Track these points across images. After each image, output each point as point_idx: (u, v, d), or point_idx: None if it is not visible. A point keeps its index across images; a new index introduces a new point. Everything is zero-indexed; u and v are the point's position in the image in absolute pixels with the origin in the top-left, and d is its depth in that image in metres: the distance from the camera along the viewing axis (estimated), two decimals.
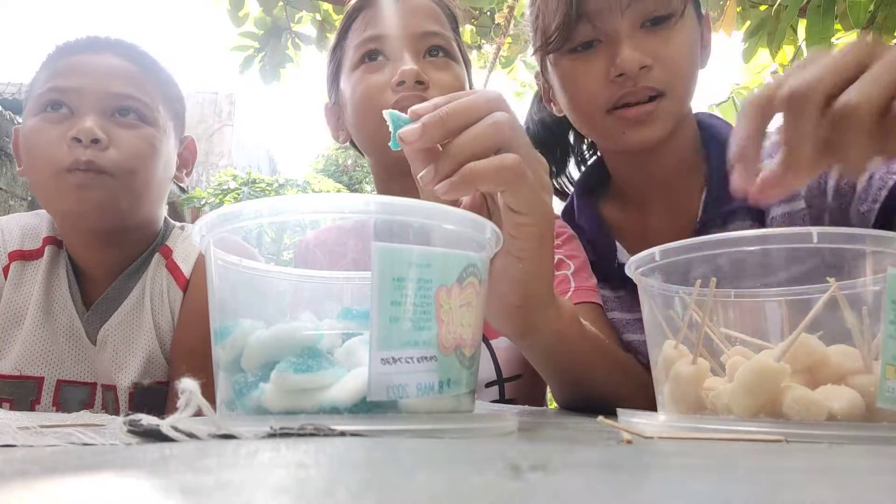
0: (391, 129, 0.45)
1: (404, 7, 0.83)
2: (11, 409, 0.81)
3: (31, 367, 0.83)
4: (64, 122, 0.80)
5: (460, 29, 0.91)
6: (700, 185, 0.83)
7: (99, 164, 0.79)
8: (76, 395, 0.84)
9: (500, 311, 0.53)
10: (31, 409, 0.82)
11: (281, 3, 2.23)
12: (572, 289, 0.79)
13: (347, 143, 0.96)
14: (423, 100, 0.78)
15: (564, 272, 0.82)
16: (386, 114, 0.46)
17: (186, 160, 0.96)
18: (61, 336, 0.85)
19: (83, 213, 0.80)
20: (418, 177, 0.45)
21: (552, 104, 0.90)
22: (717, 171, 0.80)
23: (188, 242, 0.92)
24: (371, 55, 0.83)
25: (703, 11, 0.83)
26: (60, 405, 0.84)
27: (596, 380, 0.64)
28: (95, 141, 0.78)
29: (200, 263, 0.90)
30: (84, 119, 0.79)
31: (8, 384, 0.83)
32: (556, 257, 0.82)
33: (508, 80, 2.92)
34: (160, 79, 0.90)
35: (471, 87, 0.92)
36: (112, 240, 0.87)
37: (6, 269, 0.86)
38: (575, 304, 0.77)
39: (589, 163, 1.03)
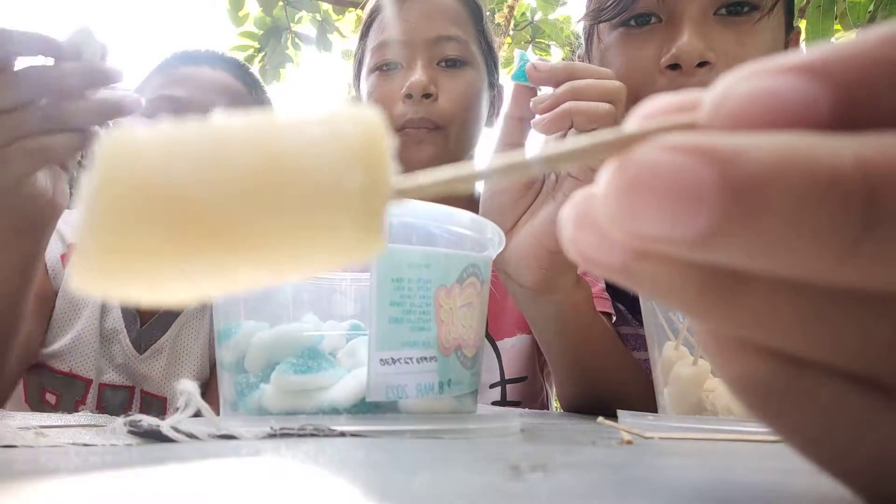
0: (518, 64, 0.52)
1: (421, 9, 0.82)
2: (56, 404, 0.80)
3: (82, 367, 0.82)
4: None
5: (485, 17, 0.89)
6: None
7: None
8: (116, 398, 0.83)
9: (532, 254, 0.53)
10: (76, 409, 0.81)
11: (281, 3, 2.24)
12: None
13: None
14: (430, 113, 0.79)
15: None
16: (516, 52, 0.53)
17: None
18: (110, 340, 0.84)
19: None
20: (531, 102, 0.51)
21: None
22: None
23: None
24: (385, 64, 0.83)
25: (795, 26, 0.69)
26: (104, 408, 0.83)
27: (603, 369, 0.61)
28: None
29: None
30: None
31: (58, 379, 0.81)
32: None
33: (508, 80, 2.93)
34: (261, 98, 0.93)
35: (496, 76, 0.91)
36: None
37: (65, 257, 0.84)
38: None
39: None
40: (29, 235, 0.54)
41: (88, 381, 0.82)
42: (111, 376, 0.84)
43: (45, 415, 0.49)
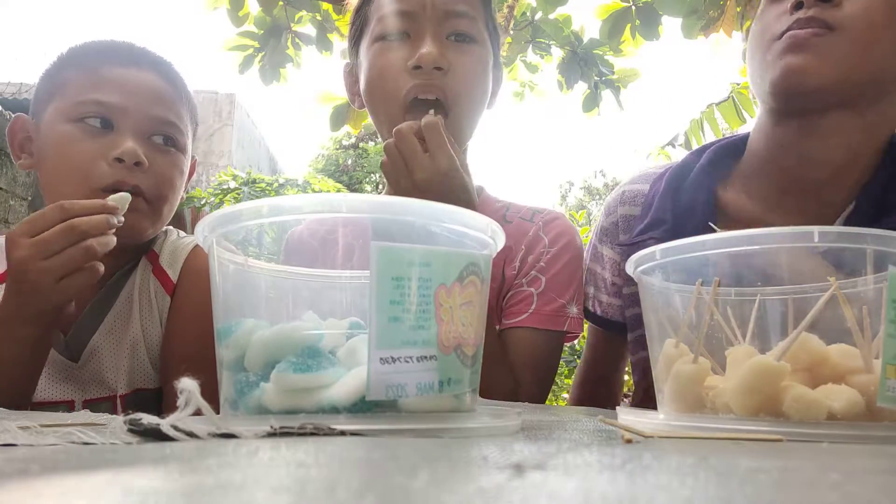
0: None
1: None
2: None
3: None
4: (102, 138, 0.80)
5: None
6: (850, 196, 0.74)
7: (141, 187, 0.80)
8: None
9: None
10: None
11: (281, 3, 2.23)
12: (530, 311, 0.81)
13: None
14: (440, 85, 0.81)
15: (531, 290, 0.83)
16: None
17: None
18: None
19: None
20: None
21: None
22: (875, 188, 0.72)
23: (173, 247, 0.91)
24: (392, 32, 0.82)
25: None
26: None
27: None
28: (137, 164, 0.79)
29: (187, 268, 0.89)
30: (125, 139, 0.79)
31: None
32: (532, 272, 0.84)
33: (508, 80, 2.92)
34: (190, 104, 0.91)
35: (499, 57, 0.91)
36: (113, 250, 0.86)
37: None
38: (526, 327, 0.81)
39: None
40: (48, 331, 0.71)
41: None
42: (45, 394, 0.81)
43: (45, 414, 0.49)
